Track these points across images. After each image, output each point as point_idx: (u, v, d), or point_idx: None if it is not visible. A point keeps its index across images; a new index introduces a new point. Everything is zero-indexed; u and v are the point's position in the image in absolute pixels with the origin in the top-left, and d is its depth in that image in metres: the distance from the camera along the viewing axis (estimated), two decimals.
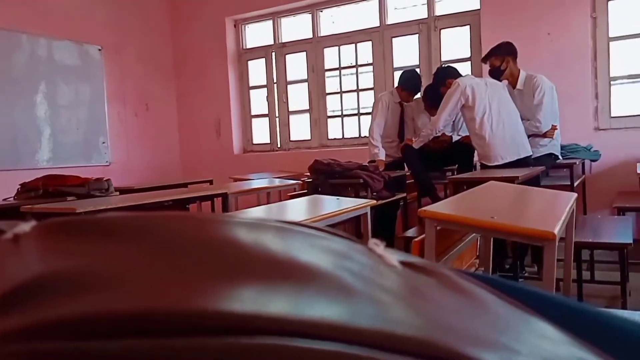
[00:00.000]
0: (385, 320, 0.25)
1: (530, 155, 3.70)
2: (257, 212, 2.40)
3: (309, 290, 0.25)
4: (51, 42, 5.29)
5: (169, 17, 6.59)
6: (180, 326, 0.19)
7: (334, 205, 2.56)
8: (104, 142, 5.79)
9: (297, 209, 2.54)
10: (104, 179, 3.38)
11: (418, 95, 4.49)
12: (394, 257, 0.37)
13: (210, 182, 4.83)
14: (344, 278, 0.28)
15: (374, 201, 2.64)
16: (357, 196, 3.28)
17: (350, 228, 2.78)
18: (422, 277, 0.36)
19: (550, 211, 1.56)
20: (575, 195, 1.99)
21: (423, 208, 1.50)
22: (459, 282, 0.36)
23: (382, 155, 4.24)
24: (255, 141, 6.45)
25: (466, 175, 3.14)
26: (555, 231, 1.30)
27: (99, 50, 5.74)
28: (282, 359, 0.20)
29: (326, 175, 3.39)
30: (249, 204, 4.55)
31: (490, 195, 2.02)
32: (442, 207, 1.62)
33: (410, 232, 2.94)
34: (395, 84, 4.63)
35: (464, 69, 5.06)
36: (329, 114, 5.97)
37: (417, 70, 5.07)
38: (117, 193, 3.44)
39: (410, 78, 4.35)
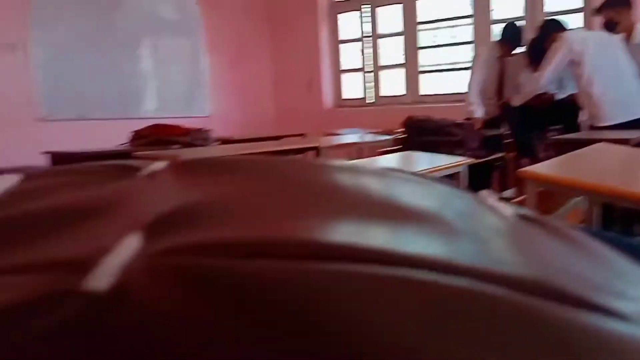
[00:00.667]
0: (493, 260, 0.24)
1: None
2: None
3: (409, 227, 0.26)
4: None
5: None
6: (298, 252, 0.21)
7: (427, 162, 2.54)
8: (203, 94, 6.05)
9: (388, 164, 2.55)
10: (205, 129, 3.56)
11: (521, 50, 4.24)
12: (507, 208, 0.36)
13: (303, 135, 4.93)
14: (448, 217, 0.28)
15: (470, 160, 2.58)
16: (452, 154, 3.22)
17: None
18: (538, 228, 0.34)
19: None
20: None
21: (523, 168, 1.46)
22: (581, 237, 0.34)
23: (479, 113, 4.08)
24: (346, 96, 6.45)
25: (572, 136, 2.96)
26: None
27: (196, 3, 5.92)
28: (384, 286, 0.20)
29: (420, 132, 3.34)
30: (341, 158, 4.62)
31: (599, 158, 1.90)
32: (544, 168, 1.55)
33: (508, 194, 2.85)
34: (496, 38, 4.39)
35: (574, 21, 4.69)
36: (423, 69, 5.81)
37: (523, 22, 4.77)
38: (218, 143, 3.62)
39: (511, 31, 4.10)
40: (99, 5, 5.09)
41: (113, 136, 3.87)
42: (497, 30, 4.83)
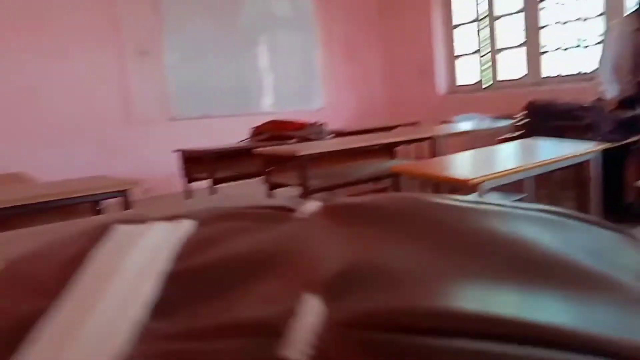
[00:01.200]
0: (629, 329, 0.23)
1: None
2: (467, 158, 2.36)
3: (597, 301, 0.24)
4: None
5: None
6: (497, 333, 0.21)
7: (553, 150, 2.39)
8: (316, 87, 6.20)
9: (509, 154, 2.43)
10: (319, 123, 3.65)
11: None
12: None
13: (417, 123, 4.86)
14: (588, 267, 0.27)
15: (603, 145, 2.38)
16: (580, 139, 2.99)
17: (571, 175, 2.57)
18: None
19: None
20: None
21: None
22: None
23: (612, 93, 3.73)
24: (461, 81, 6.23)
25: None
26: None
27: (310, 0, 6.06)
28: None
29: (544, 117, 3.14)
30: (456, 147, 4.49)
31: None
32: None
33: None
34: (630, 10, 3.96)
35: None
36: (545, 49, 5.42)
37: None
38: (332, 135, 3.69)
39: None
40: (221, 10, 5.42)
41: (235, 131, 4.11)
42: (630, 2, 4.36)
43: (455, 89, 6.25)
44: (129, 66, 4.85)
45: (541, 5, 5.34)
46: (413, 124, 4.83)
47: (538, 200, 3.16)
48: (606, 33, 3.87)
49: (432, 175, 1.97)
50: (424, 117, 5.39)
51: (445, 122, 4.83)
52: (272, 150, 2.76)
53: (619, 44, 3.77)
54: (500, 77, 5.84)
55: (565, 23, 5.22)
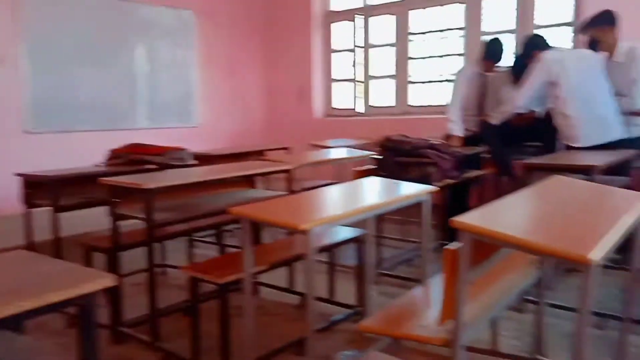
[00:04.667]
0: None
1: (623, 138, 3.36)
2: (306, 198, 2.43)
3: None
4: (147, 7, 5.55)
5: None
6: None
7: (391, 191, 2.53)
8: (194, 105, 6.07)
9: (351, 193, 2.54)
10: (181, 148, 3.56)
11: (505, 65, 4.21)
12: None
13: (287, 149, 4.92)
14: None
15: (436, 188, 2.56)
16: (424, 175, 3.20)
17: (414, 213, 2.74)
18: None
19: (600, 225, 1.44)
20: None
21: (455, 218, 1.44)
22: None
23: (458, 131, 4.06)
24: (337, 106, 6.44)
25: (540, 161, 2.94)
26: (590, 255, 1.20)
27: (191, 14, 5.94)
28: None
29: (395, 153, 3.33)
30: (324, 174, 4.61)
31: (547, 196, 1.88)
32: (480, 216, 1.54)
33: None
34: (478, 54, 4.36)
35: (564, 35, 4.64)
36: (413, 79, 5.78)
37: (512, 35, 4.74)
38: (195, 162, 3.62)
39: (492, 46, 4.07)
40: (91, 15, 5.11)
41: (102, 148, 3.84)
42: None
43: (331, 113, 6.45)
44: None
45: (410, 38, 5.69)
46: (284, 148, 4.89)
47: (380, 234, 3.35)
48: (457, 75, 4.20)
49: (265, 220, 1.99)
50: (301, 139, 5.48)
51: (317, 146, 4.95)
52: (117, 181, 2.64)
53: (467, 85, 4.13)
54: (375, 104, 6.11)
55: (429, 58, 5.60)
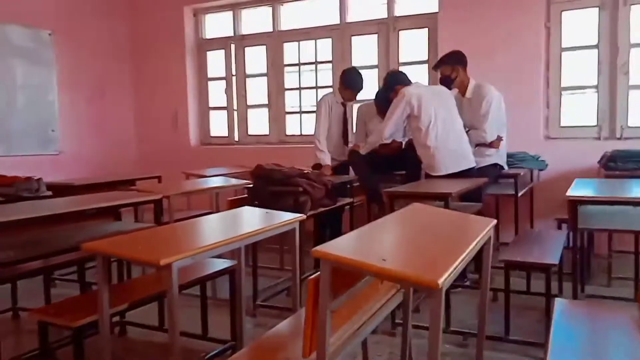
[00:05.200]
0: None
1: (475, 167, 3.70)
2: (171, 231, 2.34)
3: None
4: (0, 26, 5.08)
5: (126, 2, 6.38)
6: None
7: (261, 220, 2.52)
8: (53, 130, 5.61)
9: (222, 223, 2.49)
10: (35, 178, 3.26)
11: (366, 96, 4.45)
12: None
13: (159, 178, 4.73)
14: None
15: (303, 216, 2.60)
16: (297, 204, 3.24)
17: (285, 240, 2.74)
18: None
19: (450, 251, 1.55)
20: (493, 222, 1.99)
21: (316, 247, 1.47)
22: None
23: (328, 160, 4.19)
24: (213, 134, 6.34)
25: (403, 189, 3.13)
26: (440, 281, 1.28)
27: (49, 35, 5.54)
28: None
29: (266, 182, 3.33)
30: (200, 204, 4.49)
31: (406, 222, 2.00)
32: (340, 244, 1.58)
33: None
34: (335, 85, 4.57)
35: (422, 71, 5.05)
36: (288, 109, 5.90)
37: (375, 70, 5.03)
38: (49, 193, 3.33)
39: (350, 76, 4.29)
40: None
41: None
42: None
43: (207, 141, 6.34)
44: None
45: (287, 69, 5.82)
46: (156, 177, 4.69)
47: (256, 264, 3.32)
48: (318, 106, 4.35)
49: (120, 255, 1.87)
50: (175, 167, 5.29)
51: (191, 175, 4.82)
52: None
53: (328, 115, 4.29)
54: (251, 132, 6.12)
55: (306, 89, 5.77)
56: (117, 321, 2.94)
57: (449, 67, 3.92)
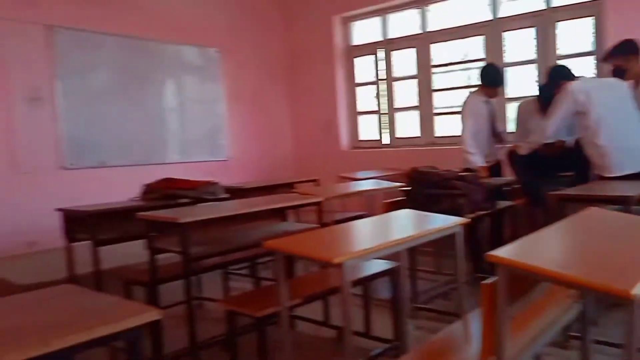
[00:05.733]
0: None
1: None
2: (339, 231, 2.47)
3: None
4: (173, 46, 5.76)
5: (280, 18, 6.83)
6: None
7: (422, 223, 2.55)
8: (223, 139, 6.21)
9: (383, 226, 2.57)
10: (214, 182, 3.65)
11: (525, 92, 4.23)
12: None
13: (316, 181, 4.99)
14: None
15: (466, 219, 2.57)
16: (454, 206, 3.21)
17: (444, 244, 2.75)
18: None
19: None
20: None
21: (491, 252, 1.46)
22: None
23: (479, 161, 4.06)
24: (363, 137, 6.51)
25: (573, 192, 2.92)
26: (633, 291, 1.20)
27: (217, 52, 6.14)
28: None
29: (423, 185, 3.35)
30: (352, 205, 4.65)
31: (584, 228, 1.88)
32: (516, 249, 1.55)
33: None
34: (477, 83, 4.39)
35: (584, 64, 4.67)
36: (438, 110, 5.83)
37: (533, 66, 4.77)
38: (227, 195, 3.70)
39: (487, 72, 4.13)
40: (122, 54, 5.32)
41: (135, 182, 3.95)
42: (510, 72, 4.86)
43: (357, 145, 6.52)
44: (17, 112, 4.62)
45: (434, 70, 5.77)
46: (313, 180, 4.96)
47: (414, 267, 3.34)
48: (463, 107, 4.23)
49: (299, 253, 2.03)
50: (329, 170, 5.55)
51: (345, 178, 5.00)
52: (153, 216, 2.72)
53: (475, 115, 4.15)
54: (400, 135, 6.17)
55: (454, 89, 5.66)
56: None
57: (620, 57, 3.58)
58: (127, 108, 5.35)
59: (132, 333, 1.24)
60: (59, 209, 3.28)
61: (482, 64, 5.35)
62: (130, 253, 3.30)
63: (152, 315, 1.27)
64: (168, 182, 3.65)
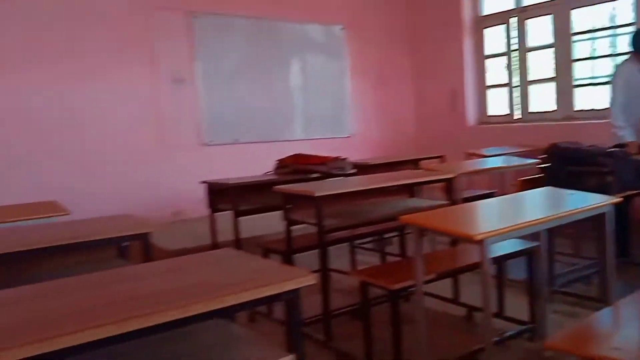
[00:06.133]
0: None
1: None
2: (476, 208, 2.40)
3: None
4: (298, 25, 5.91)
5: None
6: None
7: (566, 202, 2.40)
8: (347, 115, 6.29)
9: (521, 204, 2.45)
10: (342, 158, 3.73)
11: None
12: None
13: (441, 157, 4.87)
14: None
15: (618, 199, 2.37)
16: (601, 186, 2.97)
17: (589, 226, 2.57)
18: None
19: None
20: None
21: None
22: None
23: (629, 136, 3.67)
24: (491, 113, 6.21)
25: None
26: None
27: (341, 29, 6.18)
28: None
29: (565, 161, 3.13)
30: (479, 183, 4.49)
31: None
32: None
33: None
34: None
35: None
36: (578, 82, 5.37)
37: None
38: (355, 170, 3.76)
39: (638, 37, 3.64)
40: (251, 35, 5.58)
41: (265, 158, 4.18)
42: None
43: (485, 120, 6.24)
44: (163, 94, 5.06)
45: (574, 38, 5.30)
46: (439, 157, 4.85)
47: (552, 248, 3.14)
48: (613, 77, 3.82)
49: (438, 229, 2.02)
50: (453, 148, 5.39)
51: (472, 154, 4.83)
52: (289, 189, 2.85)
53: (627, 87, 3.73)
54: (533, 109, 5.80)
55: (597, 58, 5.17)
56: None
57: None
58: (256, 87, 5.62)
59: (291, 294, 1.33)
60: (204, 182, 3.56)
61: (632, 28, 4.83)
62: (264, 224, 3.51)
63: (308, 279, 1.34)
64: (299, 157, 3.80)
